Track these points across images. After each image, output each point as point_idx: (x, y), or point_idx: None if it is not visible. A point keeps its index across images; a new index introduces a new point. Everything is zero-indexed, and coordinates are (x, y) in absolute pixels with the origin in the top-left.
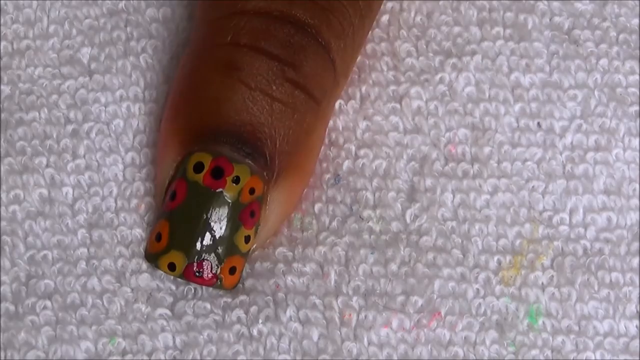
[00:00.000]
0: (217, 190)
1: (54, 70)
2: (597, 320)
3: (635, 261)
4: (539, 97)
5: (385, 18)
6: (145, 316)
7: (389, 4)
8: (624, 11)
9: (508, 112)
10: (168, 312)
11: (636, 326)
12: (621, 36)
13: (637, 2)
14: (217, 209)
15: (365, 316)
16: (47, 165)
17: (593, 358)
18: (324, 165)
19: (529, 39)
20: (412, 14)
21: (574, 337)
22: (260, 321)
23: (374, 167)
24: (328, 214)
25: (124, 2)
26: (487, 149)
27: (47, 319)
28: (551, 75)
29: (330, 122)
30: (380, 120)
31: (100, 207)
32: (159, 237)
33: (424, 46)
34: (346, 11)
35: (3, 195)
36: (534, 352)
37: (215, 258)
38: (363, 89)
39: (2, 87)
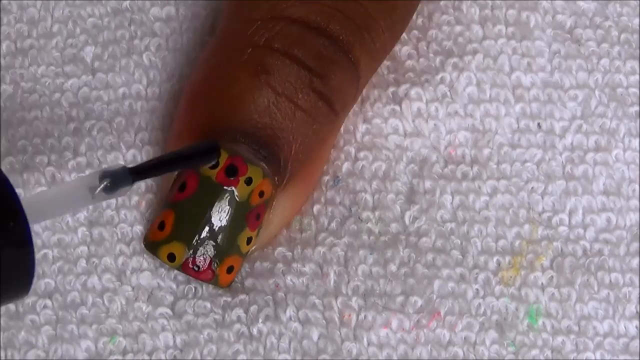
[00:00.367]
0: (228, 189)
1: (57, 69)
2: (597, 320)
3: (634, 262)
4: (540, 97)
5: None
6: (146, 315)
7: None
8: (625, 10)
9: (509, 112)
10: (169, 311)
11: (636, 327)
12: (623, 36)
13: (638, 2)
14: (226, 206)
15: (365, 316)
16: (48, 164)
17: (593, 358)
18: (324, 167)
19: (531, 37)
20: (414, 16)
21: (574, 337)
22: (260, 320)
23: (374, 169)
24: (327, 215)
25: (128, 1)
26: (486, 151)
27: (47, 318)
28: (552, 74)
29: None
30: (380, 123)
31: (100, 205)
32: (162, 226)
33: (425, 47)
34: (382, 32)
35: None
36: (534, 352)
37: (216, 255)
38: (363, 91)
39: (4, 86)
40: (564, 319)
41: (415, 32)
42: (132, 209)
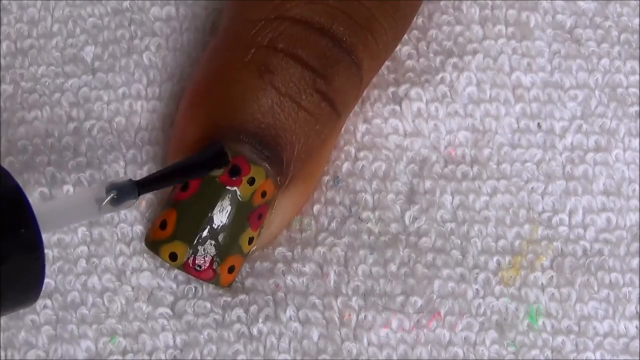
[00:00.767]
0: (231, 189)
1: (57, 69)
2: (597, 320)
3: (634, 262)
4: (540, 97)
5: None
6: (146, 315)
7: None
8: (626, 10)
9: (509, 112)
10: (169, 311)
11: (636, 326)
12: (623, 36)
13: (638, 2)
14: (228, 206)
15: (365, 316)
16: (48, 164)
17: (593, 358)
18: (325, 167)
19: (531, 37)
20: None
21: (574, 337)
22: (260, 320)
23: (374, 169)
24: (327, 215)
25: (128, 1)
26: (486, 151)
27: (47, 318)
28: (552, 74)
29: None
30: (380, 123)
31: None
32: (163, 225)
33: (425, 47)
34: (385, 33)
35: None
36: (534, 352)
37: (218, 255)
38: (363, 91)
39: (4, 86)
40: (564, 319)
41: (416, 32)
42: (132, 209)
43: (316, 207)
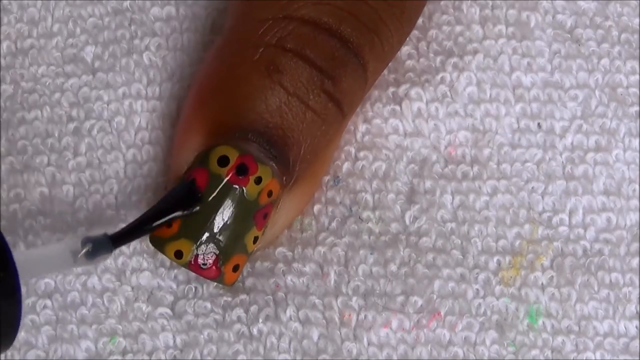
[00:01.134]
0: (238, 187)
1: (57, 69)
2: (597, 320)
3: (635, 262)
4: (540, 97)
5: None
6: (145, 315)
7: None
8: (626, 10)
9: (509, 112)
10: (168, 311)
11: (636, 326)
12: (623, 36)
13: (639, 2)
14: (235, 205)
15: (365, 316)
16: (48, 164)
17: (593, 358)
18: (328, 167)
19: (532, 37)
20: None
21: (574, 337)
22: (260, 320)
23: (374, 169)
24: (327, 215)
25: (128, 1)
26: (486, 151)
27: (47, 318)
28: (552, 74)
29: None
30: (380, 123)
31: (100, 205)
32: (169, 223)
33: (425, 47)
34: (391, 36)
35: (4, 194)
36: (534, 352)
37: (223, 253)
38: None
39: (4, 86)
40: (564, 319)
41: (416, 32)
42: (132, 208)
43: (317, 207)
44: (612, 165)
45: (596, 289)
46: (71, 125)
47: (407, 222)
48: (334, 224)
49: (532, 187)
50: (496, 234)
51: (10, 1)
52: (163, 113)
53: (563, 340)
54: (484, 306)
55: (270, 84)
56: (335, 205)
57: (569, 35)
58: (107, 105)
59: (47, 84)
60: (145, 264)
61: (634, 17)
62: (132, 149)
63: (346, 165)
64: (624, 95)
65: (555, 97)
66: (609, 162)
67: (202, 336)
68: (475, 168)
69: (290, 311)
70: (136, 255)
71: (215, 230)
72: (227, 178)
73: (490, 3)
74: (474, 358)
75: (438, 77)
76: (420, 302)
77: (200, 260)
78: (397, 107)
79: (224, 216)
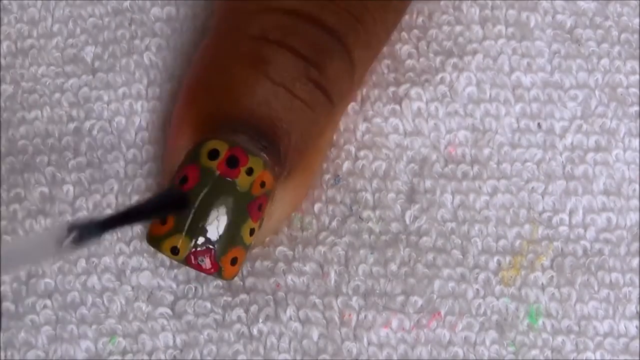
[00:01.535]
0: (230, 179)
1: (58, 69)
2: (597, 320)
3: (635, 262)
4: (540, 97)
5: None
6: (145, 315)
7: None
8: (626, 10)
9: (509, 112)
10: (169, 311)
11: (636, 326)
12: (623, 36)
13: (638, 2)
14: (228, 197)
15: (365, 316)
16: (49, 164)
17: (593, 358)
18: (324, 165)
19: (531, 37)
20: (414, 16)
21: (574, 337)
22: (260, 320)
23: (374, 169)
24: (328, 214)
25: (128, 1)
26: (486, 150)
27: (47, 318)
28: (552, 74)
29: None
30: (380, 122)
31: (100, 204)
32: (164, 220)
33: (425, 47)
34: (375, 24)
35: (4, 194)
36: (534, 352)
37: (219, 246)
38: (364, 90)
39: (5, 86)
40: (564, 318)
41: (416, 31)
42: None
43: (317, 206)
44: (612, 165)
45: (596, 288)
46: (71, 125)
47: (407, 221)
48: (334, 223)
49: (532, 187)
50: (496, 233)
51: (10, 1)
52: (163, 113)
53: (563, 340)
54: (484, 306)
55: (255, 75)
56: (335, 204)
57: (569, 36)
58: (107, 105)
59: (47, 84)
60: (145, 264)
61: (634, 17)
62: (133, 148)
63: (346, 164)
64: (624, 95)
65: (555, 97)
66: (609, 162)
67: (202, 336)
68: (476, 168)
69: (290, 311)
70: (136, 254)
71: (210, 223)
72: (218, 171)
73: (490, 3)
74: (474, 358)
75: (438, 77)
76: (420, 302)
77: (196, 255)
78: (397, 107)
79: (217, 209)
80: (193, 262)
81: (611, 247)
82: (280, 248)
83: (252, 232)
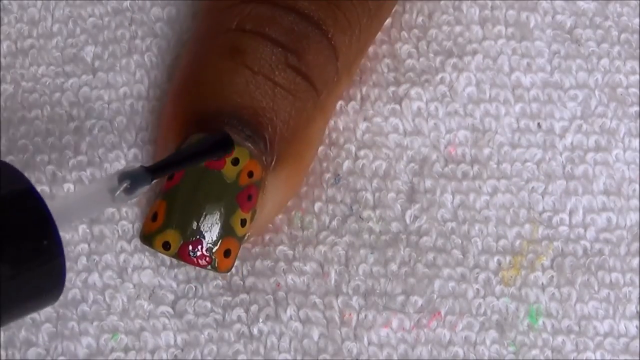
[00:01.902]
0: (215, 171)
1: (58, 69)
2: (597, 320)
3: (635, 261)
4: (540, 97)
5: (387, 20)
6: (147, 313)
7: None
8: (626, 10)
9: (508, 112)
10: (170, 309)
11: (636, 326)
12: (623, 36)
13: (638, 2)
14: (215, 189)
15: (365, 316)
16: (49, 163)
17: (593, 358)
18: (324, 164)
19: (531, 38)
20: (414, 15)
21: (574, 337)
22: (260, 320)
23: (374, 168)
24: (328, 214)
25: (128, 1)
26: (486, 150)
27: (47, 316)
28: (552, 75)
29: (331, 122)
30: (380, 122)
31: None
32: (154, 217)
33: (425, 47)
34: (354, 9)
35: None
36: (534, 352)
37: (211, 238)
38: (364, 90)
39: (5, 86)
40: (564, 318)
41: (416, 31)
42: (132, 206)
43: (317, 205)
44: (612, 165)
45: (596, 288)
46: (72, 125)
47: (408, 221)
48: (334, 223)
49: (532, 187)
50: (496, 233)
51: (10, 1)
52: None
53: (563, 340)
54: (484, 306)
55: (234, 66)
56: (335, 203)
57: (569, 36)
58: (108, 105)
59: (47, 83)
60: (146, 262)
61: (634, 17)
62: (133, 148)
63: (346, 164)
64: (624, 95)
65: (555, 97)
66: (609, 162)
67: (202, 336)
68: (476, 167)
69: (290, 310)
70: (138, 252)
71: (199, 216)
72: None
73: (490, 3)
74: (474, 358)
75: (438, 78)
76: (420, 301)
77: (188, 249)
78: (397, 106)
79: (205, 201)
80: (185, 255)
81: (611, 247)
82: (280, 247)
83: (243, 222)
